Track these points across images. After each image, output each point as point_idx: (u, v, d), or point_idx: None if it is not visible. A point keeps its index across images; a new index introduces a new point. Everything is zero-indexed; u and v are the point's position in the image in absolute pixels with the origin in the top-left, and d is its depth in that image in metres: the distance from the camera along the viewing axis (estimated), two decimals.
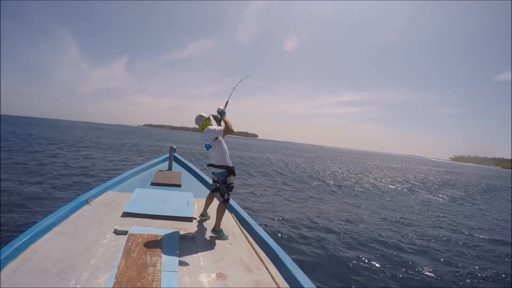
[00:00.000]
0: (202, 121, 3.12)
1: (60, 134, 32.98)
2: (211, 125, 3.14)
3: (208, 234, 2.98)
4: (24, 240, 2.26)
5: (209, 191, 3.66)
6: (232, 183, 3.09)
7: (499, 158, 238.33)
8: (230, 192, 3.09)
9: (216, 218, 2.99)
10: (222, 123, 3.09)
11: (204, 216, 3.40)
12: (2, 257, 2.00)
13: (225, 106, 3.20)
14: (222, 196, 3.07)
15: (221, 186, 3.08)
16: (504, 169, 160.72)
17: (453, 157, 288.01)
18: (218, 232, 2.96)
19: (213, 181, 3.27)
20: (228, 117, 3.14)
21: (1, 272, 1.92)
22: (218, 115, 3.13)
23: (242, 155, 26.57)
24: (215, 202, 3.25)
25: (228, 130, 2.99)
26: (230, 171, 3.04)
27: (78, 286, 1.86)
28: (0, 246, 2.24)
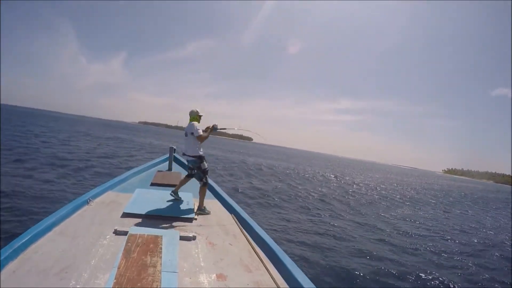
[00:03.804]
0: (195, 115, 3.79)
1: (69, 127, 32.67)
2: (198, 122, 3.77)
3: (208, 234, 2.98)
4: (24, 240, 2.26)
5: (210, 192, 3.83)
6: (207, 168, 3.73)
7: (492, 172, 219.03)
8: (207, 176, 3.72)
9: (200, 198, 3.61)
10: (205, 133, 3.70)
11: (175, 195, 3.76)
12: (2, 257, 2.00)
13: (218, 128, 3.88)
14: (201, 179, 3.69)
15: (198, 172, 3.70)
16: (497, 184, 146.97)
17: (446, 169, 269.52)
18: (203, 210, 3.55)
19: (189, 168, 3.84)
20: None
21: (2, 272, 1.92)
22: (214, 127, 3.82)
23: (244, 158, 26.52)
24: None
25: (201, 138, 3.61)
26: (201, 158, 3.67)
27: (78, 286, 1.86)
28: (1, 246, 2.24)
